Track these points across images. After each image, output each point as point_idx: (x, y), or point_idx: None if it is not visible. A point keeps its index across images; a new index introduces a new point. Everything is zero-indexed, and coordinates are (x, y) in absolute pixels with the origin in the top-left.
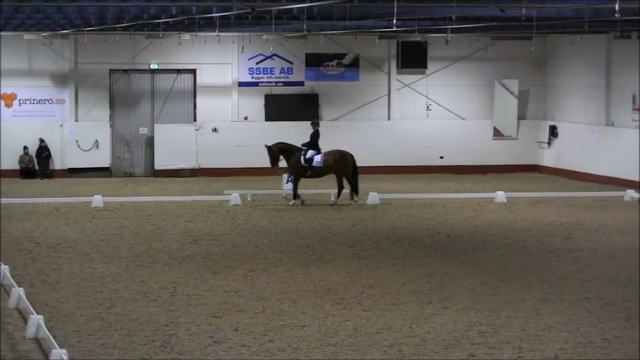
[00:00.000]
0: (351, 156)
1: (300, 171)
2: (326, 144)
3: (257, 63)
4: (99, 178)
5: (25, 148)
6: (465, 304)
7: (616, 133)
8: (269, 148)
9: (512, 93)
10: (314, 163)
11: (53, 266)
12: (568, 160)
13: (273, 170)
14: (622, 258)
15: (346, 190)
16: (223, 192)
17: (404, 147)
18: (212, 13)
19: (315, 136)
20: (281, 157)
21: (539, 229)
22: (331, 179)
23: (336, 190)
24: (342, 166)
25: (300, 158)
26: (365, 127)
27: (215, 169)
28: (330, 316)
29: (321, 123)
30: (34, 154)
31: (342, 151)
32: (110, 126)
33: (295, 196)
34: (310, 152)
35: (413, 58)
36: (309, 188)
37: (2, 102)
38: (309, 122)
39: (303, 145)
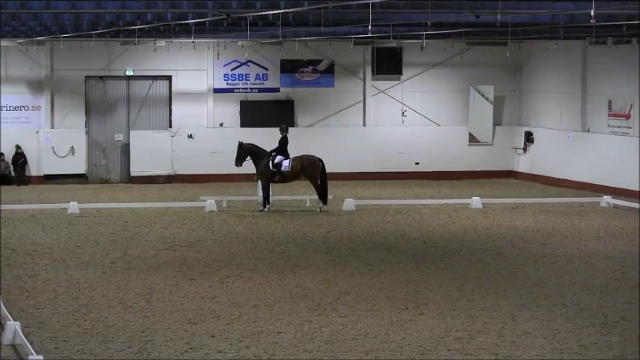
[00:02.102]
0: (320, 161)
1: (269, 176)
2: (301, 150)
3: (232, 69)
4: (75, 185)
5: (1, 154)
6: (441, 311)
7: (592, 138)
8: (240, 145)
9: (487, 99)
10: (282, 169)
11: (29, 273)
12: (544, 166)
13: (249, 177)
14: (598, 264)
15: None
16: (199, 198)
17: (379, 153)
18: (187, 20)
19: (283, 141)
20: (248, 158)
21: (515, 235)
22: (302, 185)
23: (317, 197)
24: (310, 171)
25: (268, 163)
26: (340, 134)
27: (191, 175)
28: (306, 323)
29: (297, 129)
30: (10, 161)
31: (310, 156)
32: (86, 132)
33: (265, 202)
34: (279, 157)
35: (388, 64)
36: (285, 194)
37: None
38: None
39: (272, 151)
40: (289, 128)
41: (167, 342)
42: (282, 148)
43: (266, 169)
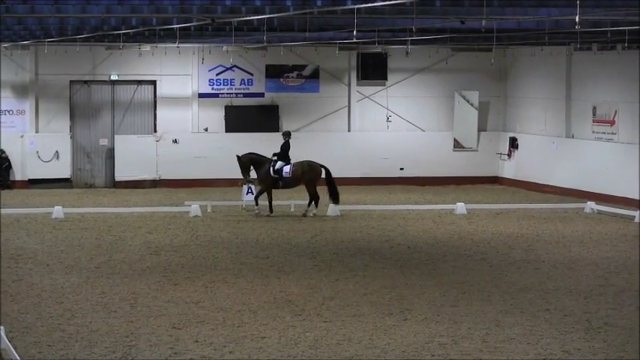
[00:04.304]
0: (320, 167)
1: (271, 182)
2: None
3: (217, 74)
4: (59, 189)
5: None
6: (425, 316)
7: (576, 144)
8: (239, 158)
9: (472, 104)
10: (283, 174)
11: (14, 277)
12: (528, 172)
13: (234, 182)
14: (582, 269)
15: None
16: (184, 203)
17: (364, 158)
18: (172, 25)
19: (285, 147)
20: (251, 167)
21: (499, 241)
22: (287, 190)
23: (308, 201)
24: (308, 176)
25: (269, 169)
26: (325, 139)
27: (175, 180)
28: (291, 328)
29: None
30: None
31: (310, 161)
32: (70, 137)
33: (270, 207)
34: (279, 163)
35: (373, 70)
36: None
37: None
38: (269, 133)
39: (274, 155)
40: (290, 133)
41: (151, 347)
42: (284, 154)
43: (267, 175)
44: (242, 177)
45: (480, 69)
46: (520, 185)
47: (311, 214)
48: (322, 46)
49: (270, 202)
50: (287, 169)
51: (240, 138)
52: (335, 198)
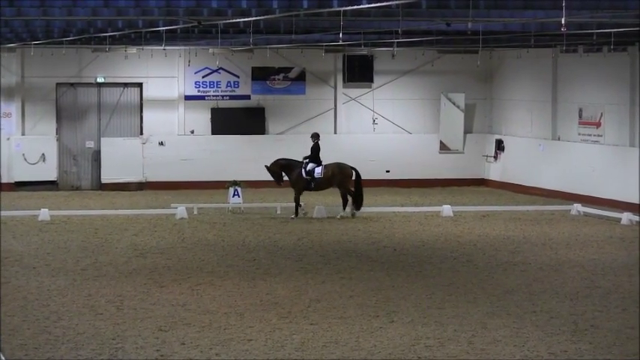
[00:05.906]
0: (350, 169)
1: (303, 184)
2: (271, 158)
3: (203, 77)
4: (46, 192)
5: None
6: (411, 318)
7: (562, 146)
8: (268, 167)
9: (458, 107)
10: (315, 175)
11: None
12: (514, 174)
13: (220, 184)
14: (568, 271)
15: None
16: (170, 205)
17: (350, 160)
18: (158, 27)
19: (315, 149)
20: (282, 173)
21: (485, 243)
22: (273, 192)
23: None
24: (339, 178)
25: (301, 172)
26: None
27: (162, 182)
28: (277, 330)
29: (267, 137)
30: None
31: (341, 163)
32: (57, 139)
33: (297, 211)
34: (310, 165)
35: (359, 72)
36: (255, 202)
37: None
38: (256, 136)
39: (305, 158)
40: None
41: (137, 349)
42: (314, 156)
43: (299, 178)
44: (277, 184)
45: (466, 71)
46: (506, 187)
47: (340, 215)
48: (308, 49)
49: (297, 203)
50: (319, 170)
51: (227, 140)
52: (358, 203)
